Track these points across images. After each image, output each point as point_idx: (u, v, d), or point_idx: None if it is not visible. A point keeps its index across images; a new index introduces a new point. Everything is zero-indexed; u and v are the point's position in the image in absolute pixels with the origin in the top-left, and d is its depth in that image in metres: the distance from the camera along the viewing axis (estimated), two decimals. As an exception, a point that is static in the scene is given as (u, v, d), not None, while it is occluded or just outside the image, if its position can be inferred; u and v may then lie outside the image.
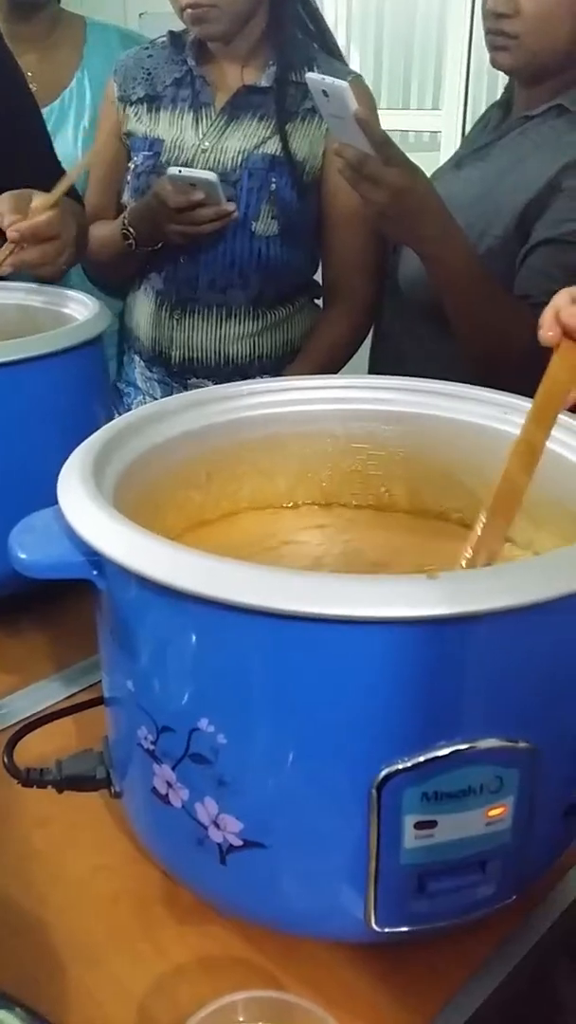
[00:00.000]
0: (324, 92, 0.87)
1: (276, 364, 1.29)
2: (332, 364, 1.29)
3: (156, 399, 1.32)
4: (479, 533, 0.50)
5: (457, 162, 1.15)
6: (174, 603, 0.44)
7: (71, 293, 0.90)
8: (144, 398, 1.35)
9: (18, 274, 0.94)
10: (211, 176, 1.15)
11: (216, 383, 1.24)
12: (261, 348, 1.28)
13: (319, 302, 1.35)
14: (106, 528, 0.46)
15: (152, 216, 1.20)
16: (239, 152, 1.20)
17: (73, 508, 0.48)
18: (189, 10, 1.14)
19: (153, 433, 0.59)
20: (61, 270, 0.94)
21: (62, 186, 0.90)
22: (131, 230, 1.24)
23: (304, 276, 1.30)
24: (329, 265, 1.28)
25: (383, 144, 0.88)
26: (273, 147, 1.20)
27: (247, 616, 0.41)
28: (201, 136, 1.23)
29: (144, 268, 1.30)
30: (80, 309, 0.86)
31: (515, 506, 0.51)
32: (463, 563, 0.50)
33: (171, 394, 1.29)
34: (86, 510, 0.47)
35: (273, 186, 1.20)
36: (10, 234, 0.87)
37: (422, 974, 0.51)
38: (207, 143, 1.22)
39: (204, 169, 1.19)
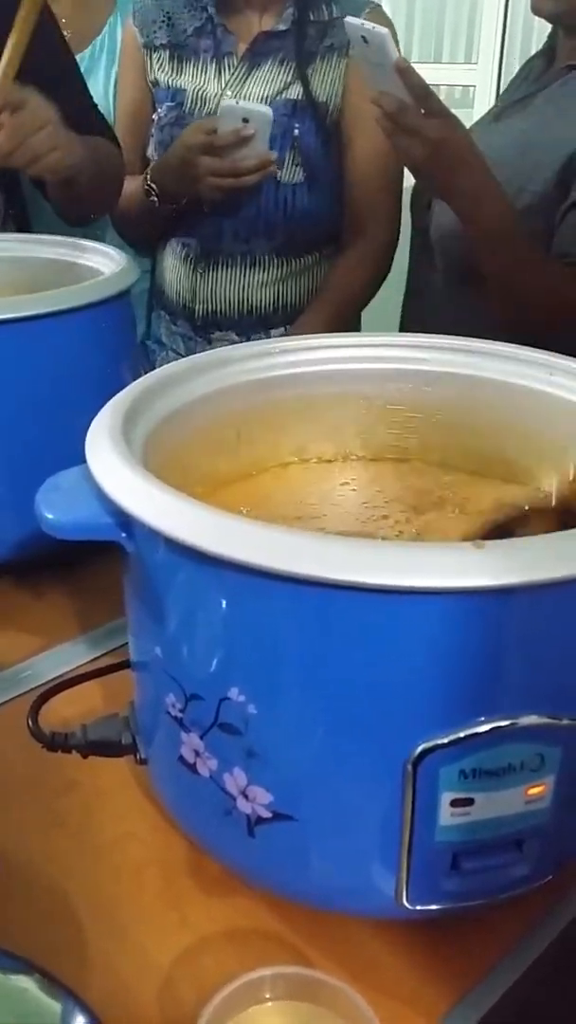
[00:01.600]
0: (363, 38, 0.84)
1: (299, 314, 1.27)
2: (349, 307, 1.27)
3: (180, 354, 1.29)
4: None
5: (496, 114, 1.11)
6: (205, 568, 0.42)
7: (99, 247, 0.88)
8: (168, 354, 1.33)
9: (48, 226, 0.92)
10: (267, 111, 1.09)
11: (239, 335, 1.26)
12: (285, 297, 1.26)
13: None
14: (136, 489, 0.44)
15: (178, 170, 1.16)
16: (261, 100, 1.17)
17: (102, 468, 0.46)
18: None
19: (182, 391, 0.57)
20: (51, 159, 0.89)
21: (6, 57, 0.85)
22: (153, 186, 1.21)
23: (331, 223, 1.26)
24: (347, 205, 1.24)
25: (423, 94, 0.84)
26: (295, 92, 1.17)
27: (282, 583, 0.40)
28: (223, 86, 1.19)
29: (171, 223, 1.27)
30: (108, 263, 0.83)
31: None
32: None
33: (194, 349, 1.29)
34: (116, 470, 0.45)
35: (296, 132, 1.17)
36: None
37: (453, 953, 0.50)
38: (229, 92, 1.19)
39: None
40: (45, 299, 0.73)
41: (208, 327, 1.28)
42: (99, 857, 0.56)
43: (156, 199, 1.21)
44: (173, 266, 1.28)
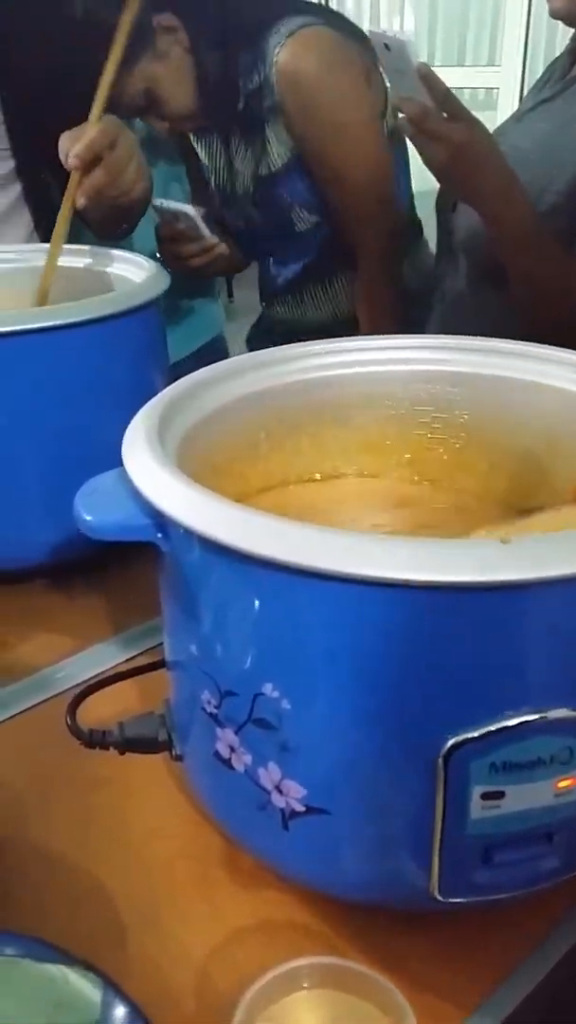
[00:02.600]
0: (386, 45, 0.85)
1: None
2: (380, 315, 1.27)
3: None
4: None
5: (519, 116, 1.12)
6: (239, 566, 0.43)
7: (128, 255, 0.89)
8: None
9: (81, 236, 0.93)
10: (190, 209, 1.19)
11: None
12: (341, 309, 1.30)
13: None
14: (172, 490, 0.45)
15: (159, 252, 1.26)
16: (243, 185, 1.23)
17: (139, 470, 0.47)
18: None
19: (215, 395, 0.58)
20: (137, 189, 0.92)
21: (100, 94, 0.88)
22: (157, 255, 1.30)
23: (343, 244, 1.28)
24: (342, 212, 1.24)
25: (446, 98, 0.85)
26: (264, 168, 1.20)
27: (314, 580, 0.41)
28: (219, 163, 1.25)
29: None
30: (137, 271, 0.85)
31: None
32: None
33: None
34: (152, 472, 0.46)
35: (287, 197, 1.20)
36: (70, 162, 0.86)
37: (484, 946, 0.51)
38: (215, 166, 1.25)
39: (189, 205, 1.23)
40: (78, 308, 0.74)
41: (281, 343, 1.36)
42: (134, 851, 0.57)
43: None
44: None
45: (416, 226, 1.36)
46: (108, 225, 1.12)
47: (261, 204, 1.23)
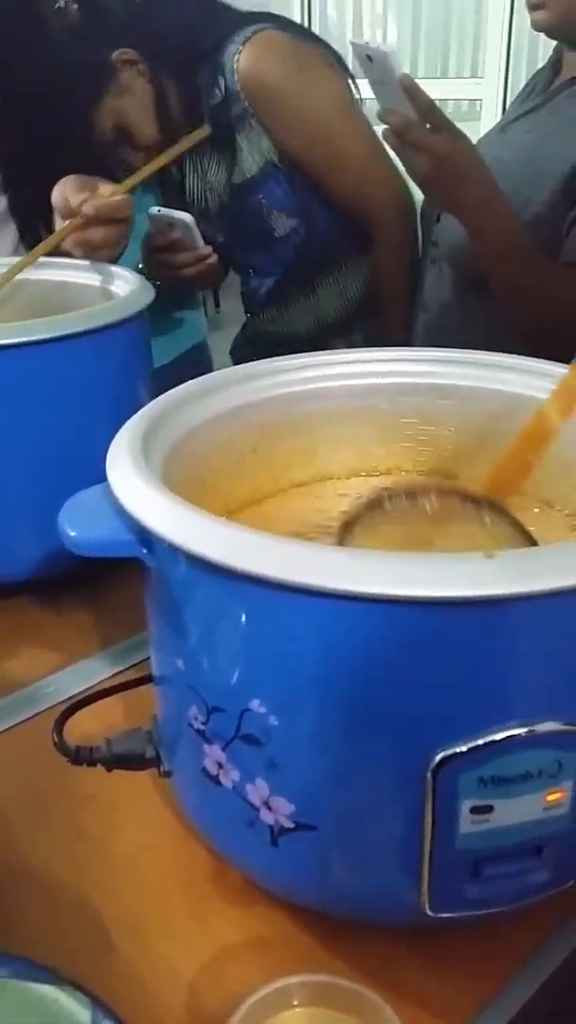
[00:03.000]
0: (368, 57, 0.85)
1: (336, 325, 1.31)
2: (393, 281, 1.27)
3: None
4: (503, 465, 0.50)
5: (503, 126, 1.12)
6: (225, 582, 0.43)
7: (113, 268, 0.89)
8: None
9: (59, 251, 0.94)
10: (187, 217, 1.18)
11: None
12: (322, 316, 1.30)
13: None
14: (156, 506, 0.45)
15: (146, 262, 1.25)
16: (217, 196, 1.23)
17: (123, 485, 0.47)
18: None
19: (200, 409, 0.58)
20: (117, 254, 0.94)
21: (145, 171, 0.90)
22: (142, 268, 1.30)
23: (340, 241, 1.28)
24: (344, 199, 1.23)
25: (429, 109, 0.85)
26: (237, 177, 1.20)
27: (301, 596, 0.40)
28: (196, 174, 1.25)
29: None
30: (122, 285, 0.85)
31: (545, 444, 0.51)
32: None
33: None
34: (136, 487, 0.46)
35: (264, 201, 1.20)
36: (85, 208, 0.86)
37: (474, 960, 0.50)
38: (189, 184, 1.25)
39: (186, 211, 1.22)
40: (63, 321, 0.74)
41: (274, 348, 1.35)
42: (122, 868, 0.57)
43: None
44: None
45: None
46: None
47: (237, 213, 1.23)
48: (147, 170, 0.94)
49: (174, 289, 1.29)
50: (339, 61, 1.20)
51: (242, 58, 1.12)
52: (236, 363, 1.41)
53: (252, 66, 1.12)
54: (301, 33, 1.21)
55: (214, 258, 1.22)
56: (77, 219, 0.88)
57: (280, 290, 1.28)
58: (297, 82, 1.14)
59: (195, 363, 1.53)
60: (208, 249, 1.21)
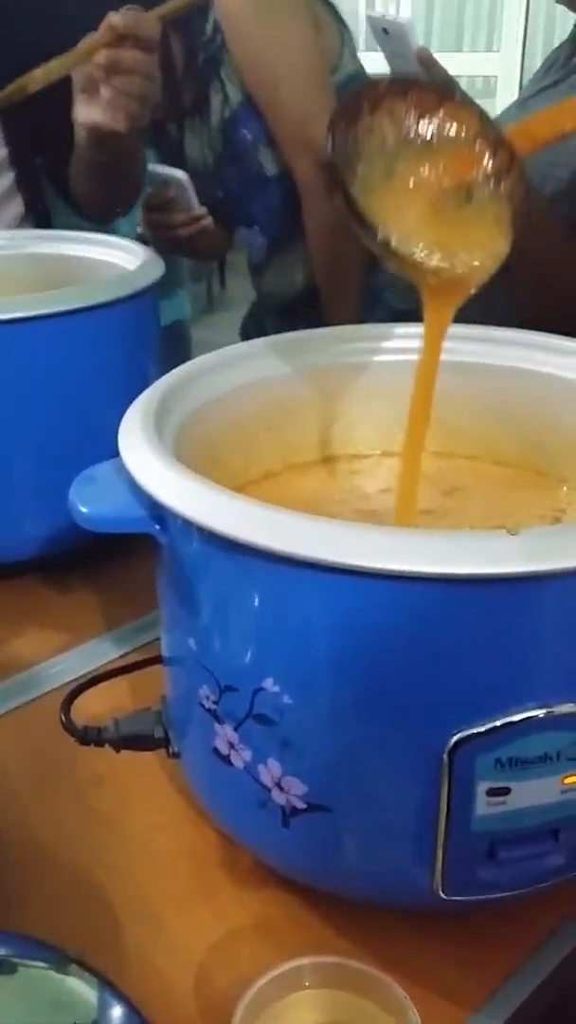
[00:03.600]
0: (384, 30, 0.84)
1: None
2: (318, 247, 1.23)
3: None
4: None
5: (522, 102, 1.10)
6: (239, 558, 0.42)
7: (122, 242, 0.88)
8: None
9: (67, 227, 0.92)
10: (181, 175, 1.18)
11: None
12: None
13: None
14: (170, 481, 0.44)
15: (145, 222, 1.27)
16: (211, 143, 1.21)
17: (136, 461, 0.46)
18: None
19: (213, 384, 0.57)
20: (145, 112, 0.90)
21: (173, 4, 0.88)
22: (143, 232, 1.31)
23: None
24: (281, 149, 1.20)
25: (446, 83, 0.84)
26: (222, 112, 1.18)
27: (317, 572, 0.40)
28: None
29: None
30: (131, 259, 0.84)
31: None
32: None
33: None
34: (149, 462, 0.45)
35: (248, 137, 1.18)
36: (113, 19, 0.85)
37: (487, 944, 0.50)
38: (187, 143, 1.25)
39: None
40: (72, 295, 0.73)
41: (281, 315, 1.35)
42: (131, 849, 0.56)
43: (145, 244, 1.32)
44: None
45: None
46: (95, 199, 1.10)
47: (228, 153, 1.21)
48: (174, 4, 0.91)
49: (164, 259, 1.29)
50: (335, 18, 1.17)
51: None
52: (246, 339, 1.40)
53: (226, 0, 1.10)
54: None
55: (208, 220, 1.21)
56: (106, 32, 0.86)
57: (284, 238, 1.25)
58: (259, 18, 1.11)
59: (175, 337, 1.54)
60: (203, 210, 1.21)
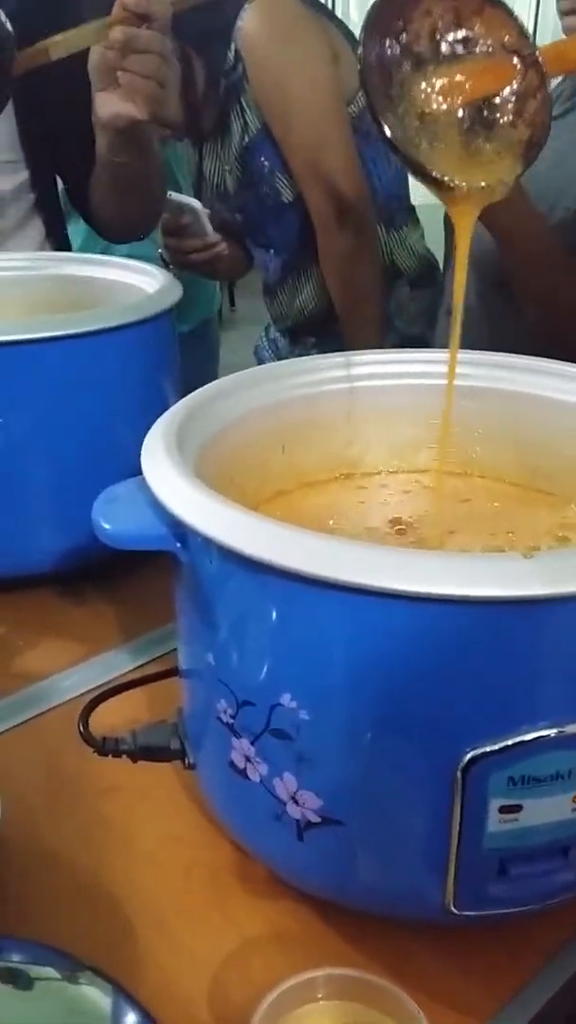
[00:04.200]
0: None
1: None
2: (335, 274, 1.25)
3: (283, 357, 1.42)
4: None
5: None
6: (259, 576, 0.43)
7: (141, 265, 0.90)
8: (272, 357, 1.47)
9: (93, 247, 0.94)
10: (195, 204, 1.22)
11: (317, 338, 1.34)
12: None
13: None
14: (192, 500, 0.45)
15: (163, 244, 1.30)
16: (231, 168, 1.24)
17: (158, 479, 0.47)
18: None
19: (233, 405, 0.58)
20: (159, 101, 0.90)
21: None
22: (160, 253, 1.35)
23: None
24: (297, 180, 1.22)
25: None
26: (241, 137, 1.21)
27: (334, 591, 0.41)
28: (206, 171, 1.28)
29: None
30: (150, 281, 0.85)
31: None
32: None
33: (296, 353, 1.41)
34: (172, 481, 0.47)
35: (265, 163, 1.21)
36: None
37: (498, 958, 0.51)
38: (206, 168, 1.28)
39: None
40: (93, 317, 0.75)
41: (295, 336, 1.39)
42: (146, 859, 0.57)
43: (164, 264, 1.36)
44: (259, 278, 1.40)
45: (408, 209, 1.36)
46: (116, 218, 1.11)
47: (246, 178, 1.23)
48: None
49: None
50: (354, 48, 1.18)
51: (245, 15, 1.13)
52: (260, 363, 1.42)
53: (247, 25, 1.13)
54: (319, 9, 1.20)
55: (222, 247, 1.24)
56: (119, 11, 0.86)
57: (297, 261, 1.28)
58: (280, 49, 1.14)
59: (203, 338, 1.55)
60: (217, 237, 1.24)
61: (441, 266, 1.30)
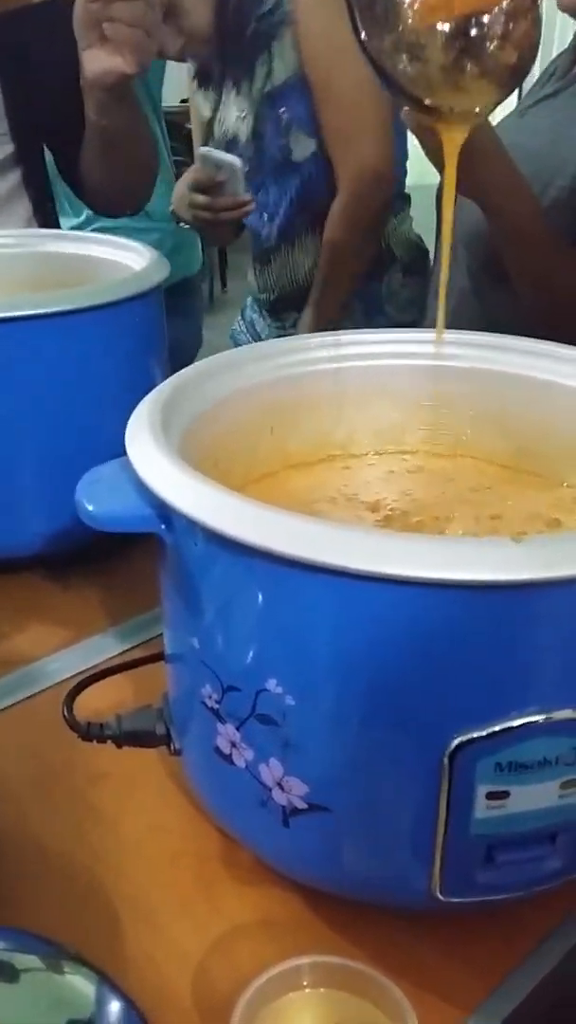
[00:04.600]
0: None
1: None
2: (336, 264, 1.26)
3: (263, 335, 1.43)
4: None
5: (521, 111, 1.11)
6: (244, 559, 0.42)
7: (128, 243, 0.88)
8: (251, 335, 1.46)
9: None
10: (236, 161, 1.19)
11: (300, 311, 1.32)
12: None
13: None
14: (177, 481, 0.44)
15: (181, 200, 1.28)
16: (242, 110, 1.24)
17: (143, 460, 0.46)
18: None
19: (219, 385, 0.57)
20: (146, 56, 0.88)
21: None
22: (173, 212, 1.33)
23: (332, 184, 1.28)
24: (326, 137, 1.23)
25: None
26: (266, 81, 1.21)
27: (320, 575, 0.40)
28: (213, 112, 1.28)
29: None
30: (137, 259, 0.84)
31: None
32: None
33: (274, 329, 1.41)
34: (157, 462, 0.46)
35: (286, 114, 1.20)
36: None
37: (484, 945, 0.50)
38: (220, 116, 1.27)
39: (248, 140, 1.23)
40: (78, 294, 0.74)
41: (278, 311, 1.37)
42: (132, 846, 0.56)
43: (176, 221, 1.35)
44: (250, 261, 1.39)
45: (404, 196, 1.37)
46: (106, 188, 1.09)
47: (259, 127, 1.23)
48: None
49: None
50: None
51: None
52: (236, 347, 1.41)
53: None
54: None
55: (252, 206, 1.22)
56: None
57: (291, 228, 1.28)
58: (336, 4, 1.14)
59: (185, 294, 1.54)
60: (249, 196, 1.23)
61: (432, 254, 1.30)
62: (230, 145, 1.28)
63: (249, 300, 1.48)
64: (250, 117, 1.23)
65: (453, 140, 0.56)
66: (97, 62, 0.87)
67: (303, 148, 1.21)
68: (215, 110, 1.27)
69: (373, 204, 1.22)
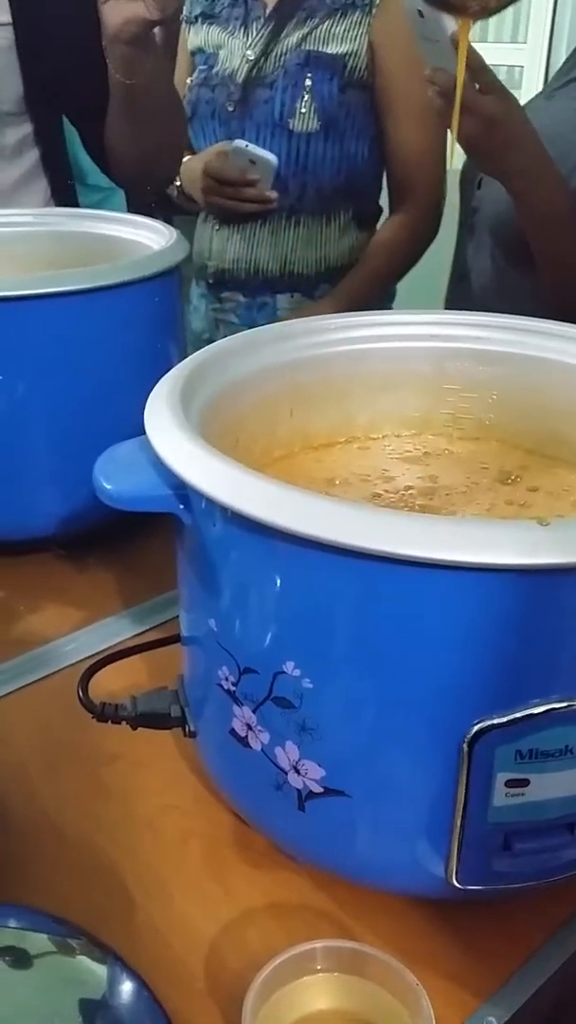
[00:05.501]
0: (419, 12, 0.83)
1: (308, 282, 1.31)
2: (388, 268, 1.30)
3: (199, 311, 1.39)
4: None
5: (549, 93, 1.09)
6: (263, 540, 0.42)
7: (148, 221, 0.87)
8: (192, 311, 1.41)
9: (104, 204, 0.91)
10: (272, 158, 1.19)
11: (244, 296, 1.32)
12: (292, 263, 1.30)
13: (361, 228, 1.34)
14: (196, 460, 0.44)
15: (196, 181, 1.27)
16: (279, 56, 1.22)
17: (163, 440, 0.46)
18: None
19: (239, 365, 0.57)
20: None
21: None
22: (179, 182, 1.31)
23: (346, 180, 1.27)
24: (391, 164, 1.28)
25: (480, 70, 0.83)
26: (311, 43, 1.20)
27: (341, 556, 0.39)
28: (248, 46, 1.24)
29: None
30: (156, 238, 0.83)
31: None
32: None
33: (208, 308, 1.37)
34: (176, 441, 0.45)
35: (309, 82, 1.20)
36: None
37: (499, 934, 0.50)
38: (251, 52, 1.23)
39: (248, 80, 1.22)
40: (96, 273, 0.73)
41: (218, 285, 1.34)
42: (145, 827, 0.56)
43: (176, 190, 1.34)
44: (198, 223, 1.37)
45: None
46: (144, 149, 1.06)
47: (268, 79, 1.22)
48: None
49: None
50: None
51: None
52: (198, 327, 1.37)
53: None
54: None
55: (275, 205, 1.22)
56: None
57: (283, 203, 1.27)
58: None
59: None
60: (274, 194, 1.22)
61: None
62: (215, 79, 1.26)
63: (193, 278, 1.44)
64: (261, 60, 1.22)
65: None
66: (117, 13, 0.84)
67: (303, 123, 1.21)
68: (251, 45, 1.23)
69: (431, 234, 1.29)
